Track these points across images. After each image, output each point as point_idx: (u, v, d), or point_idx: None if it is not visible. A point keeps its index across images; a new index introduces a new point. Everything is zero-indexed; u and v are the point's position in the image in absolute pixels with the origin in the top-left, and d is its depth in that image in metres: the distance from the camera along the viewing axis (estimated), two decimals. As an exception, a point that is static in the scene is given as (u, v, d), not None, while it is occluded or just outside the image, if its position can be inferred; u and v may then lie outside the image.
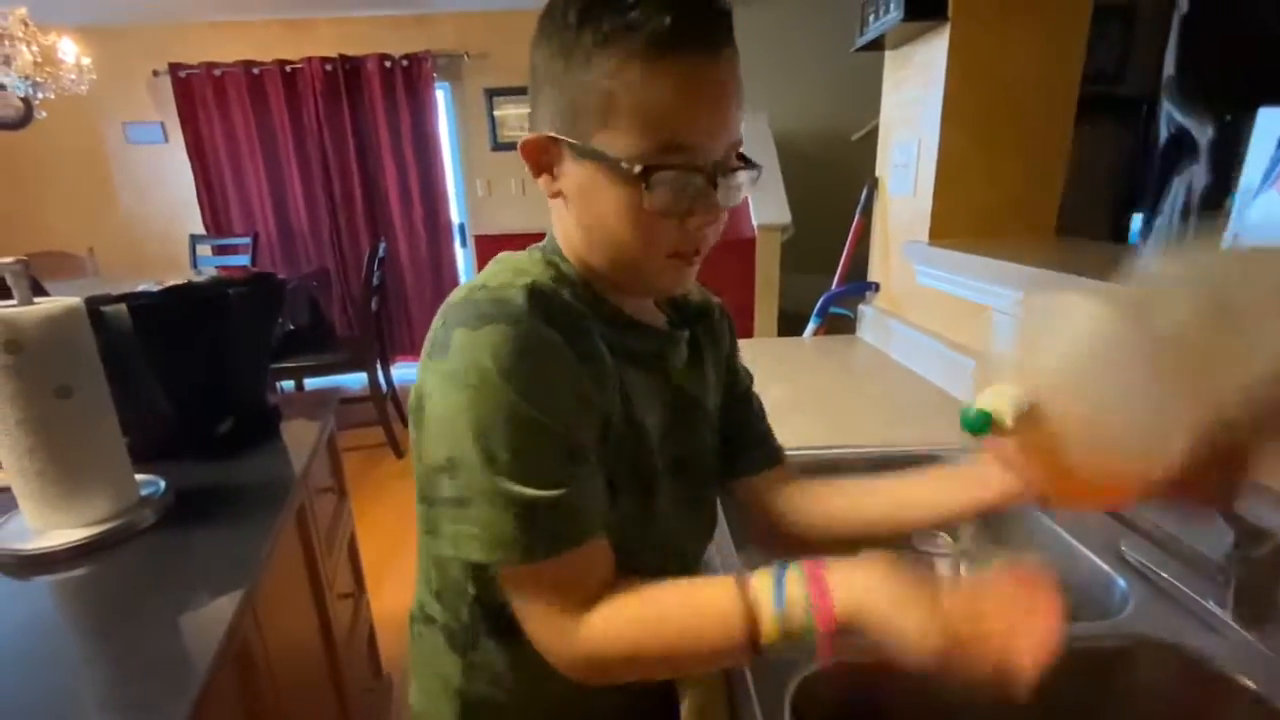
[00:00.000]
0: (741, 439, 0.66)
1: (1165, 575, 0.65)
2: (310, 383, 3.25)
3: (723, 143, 0.45)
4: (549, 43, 0.45)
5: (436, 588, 0.56)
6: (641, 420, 0.52)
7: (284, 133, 3.93)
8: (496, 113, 4.13)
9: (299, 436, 1.13)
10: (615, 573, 0.47)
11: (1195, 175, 0.80)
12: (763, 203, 3.13)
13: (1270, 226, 0.70)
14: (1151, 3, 2.57)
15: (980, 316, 1.20)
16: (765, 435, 0.68)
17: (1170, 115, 0.83)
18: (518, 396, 0.42)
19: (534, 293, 0.45)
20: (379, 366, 3.12)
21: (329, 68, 3.83)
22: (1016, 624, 0.37)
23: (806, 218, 3.24)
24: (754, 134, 3.33)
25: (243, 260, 3.79)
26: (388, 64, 3.86)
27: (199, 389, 1.04)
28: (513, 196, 4.29)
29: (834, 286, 1.82)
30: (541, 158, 0.48)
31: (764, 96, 3.82)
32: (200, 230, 4.03)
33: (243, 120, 3.90)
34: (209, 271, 3.47)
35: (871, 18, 1.39)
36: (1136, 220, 1.06)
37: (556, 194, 0.49)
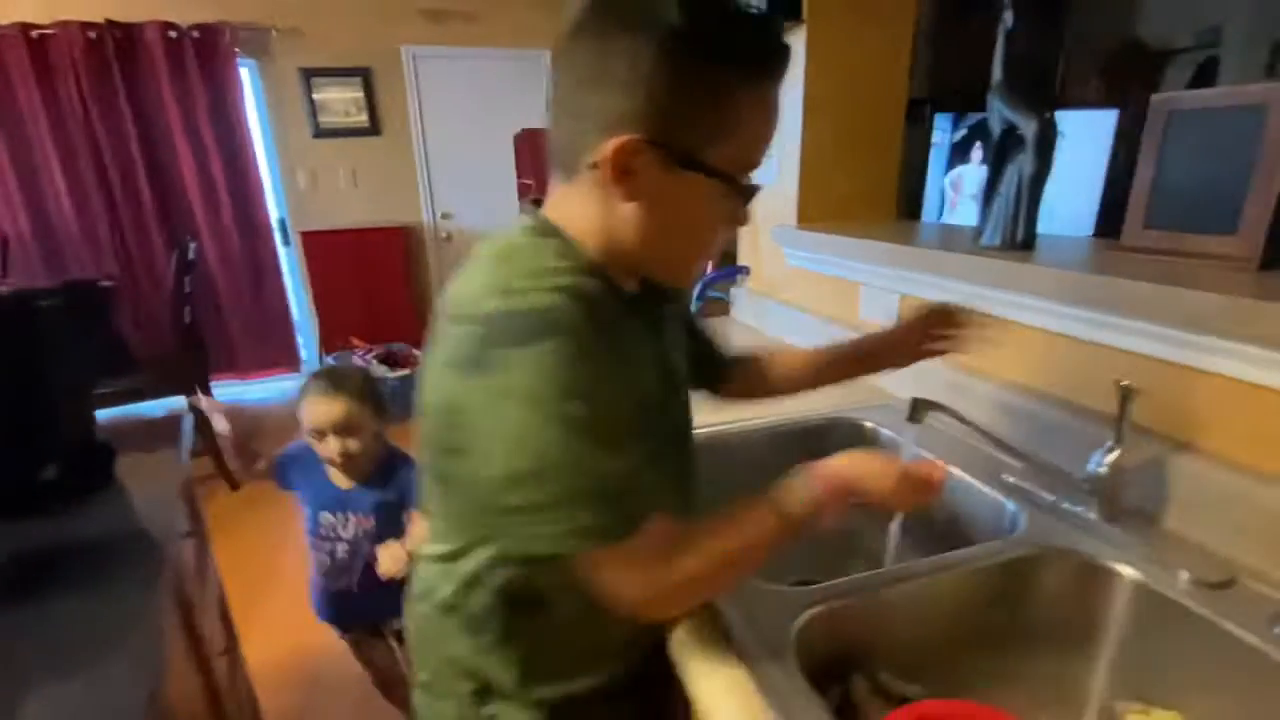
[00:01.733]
0: (716, 357, 0.81)
1: (1043, 494, 0.79)
2: (104, 414, 2.71)
3: None
4: (646, 41, 0.44)
5: (466, 580, 0.57)
6: (652, 393, 0.56)
7: (33, 114, 3.21)
8: (316, 96, 3.73)
9: (143, 476, 0.95)
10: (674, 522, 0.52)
11: (1024, 162, 0.95)
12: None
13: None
14: (931, 17, 2.97)
15: (844, 291, 1.33)
16: (726, 350, 0.82)
17: (1001, 112, 0.99)
18: (580, 402, 0.44)
19: (575, 299, 0.46)
20: (198, 388, 2.69)
21: (93, 35, 3.18)
22: (925, 473, 0.59)
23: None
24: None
25: (-14, 270, 3.04)
26: (173, 34, 3.31)
27: (7, 429, 0.83)
28: (342, 189, 3.92)
29: (708, 272, 1.91)
30: (632, 160, 0.47)
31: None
32: (-85, 235, 3.17)
33: (-31, 96, 3.12)
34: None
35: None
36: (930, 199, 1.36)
37: (629, 199, 0.49)
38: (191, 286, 2.72)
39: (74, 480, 0.89)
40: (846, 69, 1.41)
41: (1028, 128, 0.95)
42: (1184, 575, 0.63)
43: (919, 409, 0.76)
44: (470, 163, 4.17)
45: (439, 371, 0.49)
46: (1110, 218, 1.03)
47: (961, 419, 0.77)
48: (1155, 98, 0.86)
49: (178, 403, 1.30)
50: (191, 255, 2.70)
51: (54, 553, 0.75)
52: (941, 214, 1.41)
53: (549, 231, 0.52)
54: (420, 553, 0.64)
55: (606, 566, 0.48)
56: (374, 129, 3.89)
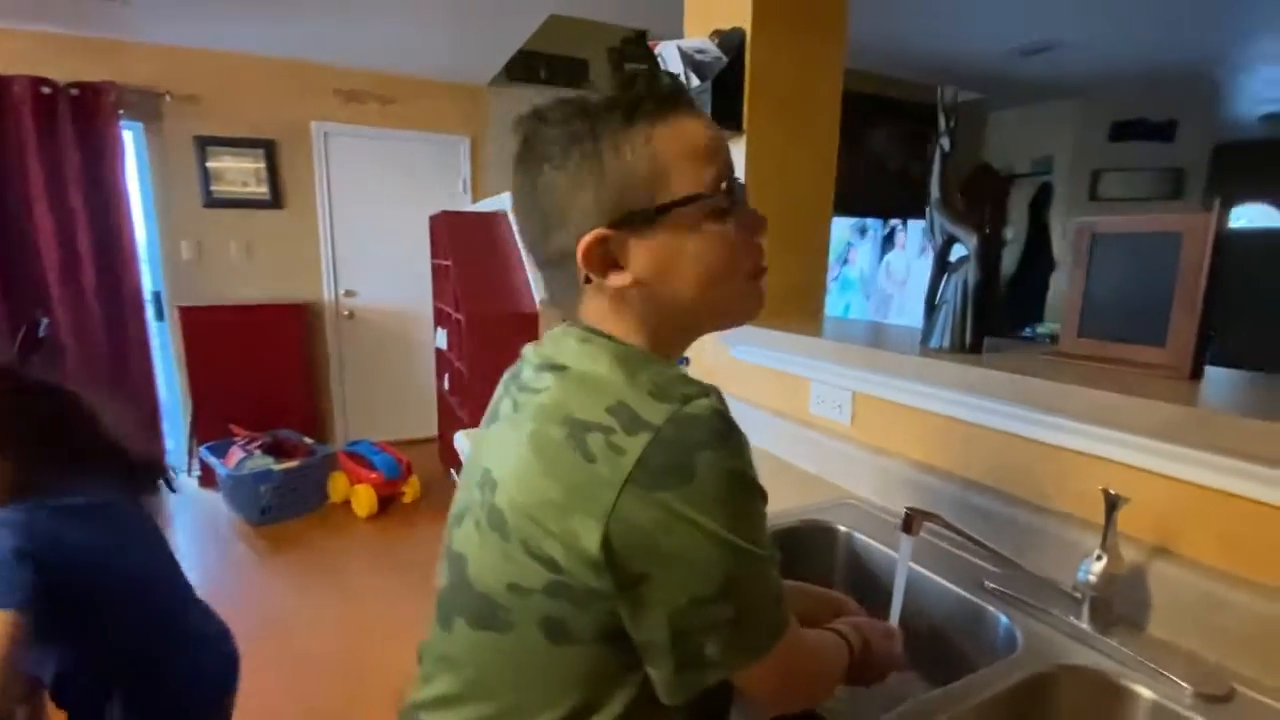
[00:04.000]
0: None
1: (1030, 601, 0.78)
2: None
3: (739, 180, 0.54)
4: (558, 167, 0.50)
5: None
6: None
7: None
8: (210, 164, 3.49)
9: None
10: None
11: (968, 272, 1.01)
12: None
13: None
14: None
15: (792, 385, 1.35)
16: None
17: (943, 226, 1.06)
18: (762, 501, 0.47)
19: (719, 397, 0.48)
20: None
21: (-56, 84, 2.83)
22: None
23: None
24: (525, 211, 3.36)
25: None
26: (46, 90, 3.01)
27: None
28: (233, 262, 3.62)
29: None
30: (604, 256, 0.50)
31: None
32: None
33: None
34: None
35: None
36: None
37: (633, 283, 0.50)
38: (39, 365, 2.33)
39: None
40: (781, 176, 1.50)
41: (969, 241, 1.03)
42: (1187, 689, 0.63)
43: (914, 520, 0.74)
44: (379, 241, 4.02)
45: (603, 496, 0.43)
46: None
47: (953, 528, 0.76)
48: (1078, 221, 0.96)
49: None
50: (42, 331, 2.34)
51: None
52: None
53: (605, 341, 0.51)
54: None
55: (770, 664, 0.48)
56: (275, 202, 3.68)
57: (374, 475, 3.12)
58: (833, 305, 3.55)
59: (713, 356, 1.66)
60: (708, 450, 0.43)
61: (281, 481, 3.00)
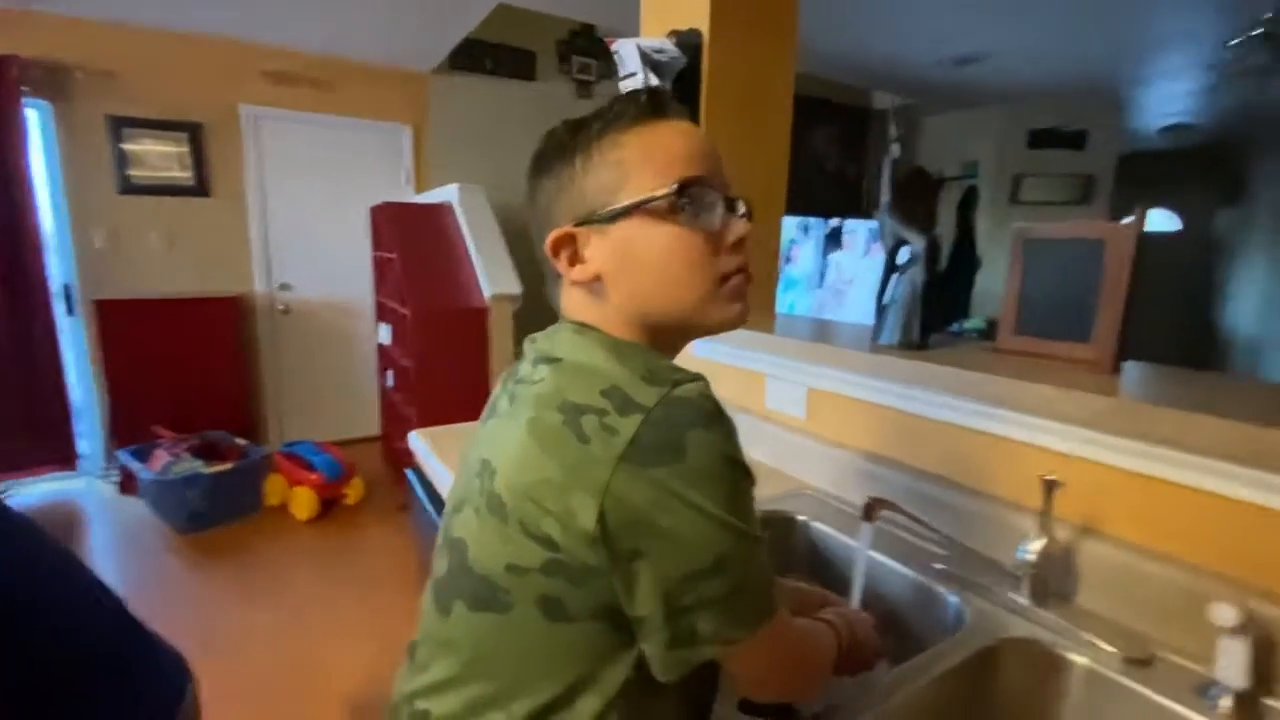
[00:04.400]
0: None
1: (976, 580, 0.84)
2: None
3: (722, 181, 0.56)
4: (549, 174, 0.56)
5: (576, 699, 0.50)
6: None
7: None
8: (126, 147, 3.26)
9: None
10: None
11: (916, 273, 1.07)
12: (494, 273, 3.10)
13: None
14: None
15: (749, 381, 1.39)
16: None
17: (893, 229, 1.11)
18: (750, 483, 0.48)
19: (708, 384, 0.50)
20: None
21: None
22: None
23: (534, 291, 3.33)
24: (473, 206, 3.30)
25: None
26: (-66, 62, 2.73)
27: None
28: (153, 252, 3.39)
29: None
30: (569, 249, 0.55)
31: (484, 171, 3.85)
32: None
33: None
34: None
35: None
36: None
37: (594, 277, 0.54)
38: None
39: None
40: (738, 176, 1.52)
41: (918, 244, 1.09)
42: (1115, 654, 0.70)
43: (874, 508, 0.78)
44: (317, 232, 3.85)
45: (598, 474, 0.45)
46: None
47: (908, 514, 0.81)
48: (1015, 226, 1.03)
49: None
50: (-64, 327, 2.13)
51: None
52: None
53: (597, 337, 0.54)
54: None
55: (763, 640, 0.50)
56: (201, 189, 3.47)
57: (314, 477, 3.01)
58: (787, 304, 3.65)
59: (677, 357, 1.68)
60: (698, 430, 0.45)
61: (213, 485, 2.84)
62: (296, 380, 3.89)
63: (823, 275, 5.02)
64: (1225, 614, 0.61)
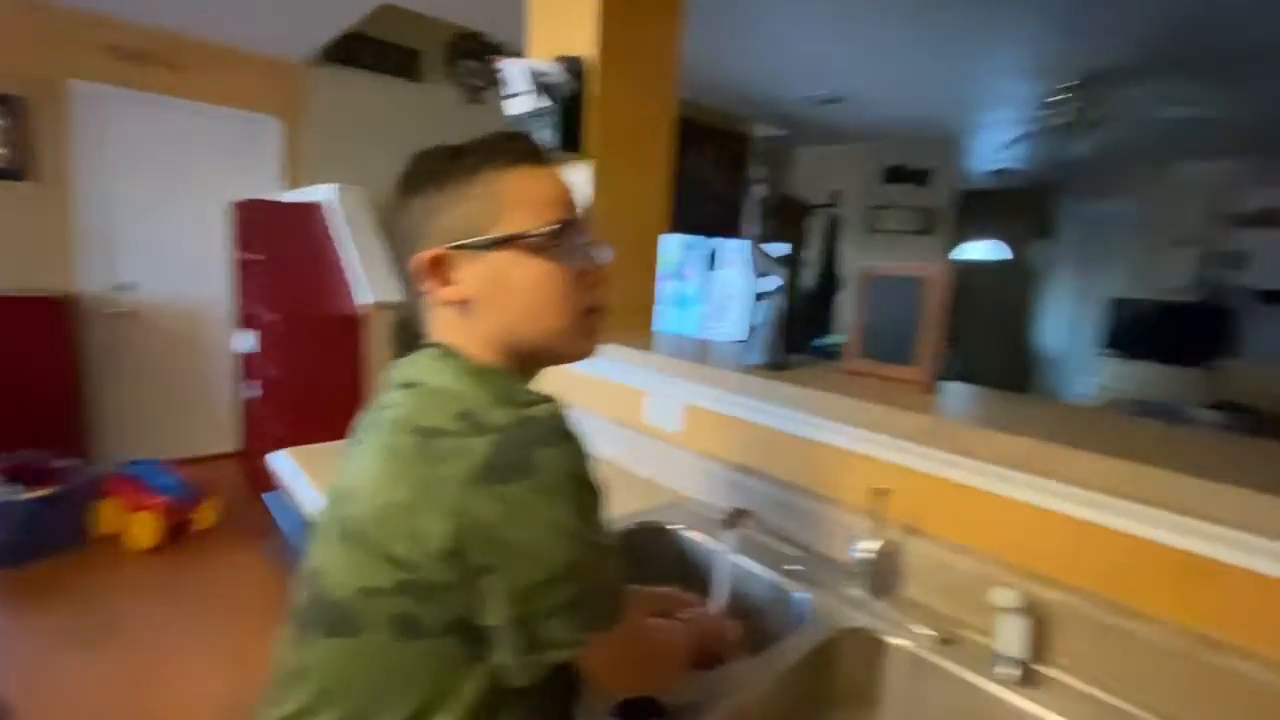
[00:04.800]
0: None
1: (820, 579, 0.95)
2: None
3: (587, 224, 0.62)
4: (419, 195, 0.59)
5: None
6: None
7: None
8: (-83, 119, 2.78)
9: None
10: None
11: (779, 300, 1.19)
12: (373, 279, 2.97)
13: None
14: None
15: (628, 397, 1.45)
16: None
17: (760, 260, 1.22)
18: (598, 496, 0.51)
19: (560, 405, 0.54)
20: None
21: None
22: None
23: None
24: (354, 208, 3.14)
25: None
26: None
27: None
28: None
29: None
30: (438, 269, 0.58)
31: (365, 171, 3.66)
32: None
33: None
34: None
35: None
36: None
37: (462, 300, 0.57)
38: None
39: None
40: (621, 199, 1.60)
41: (781, 275, 1.20)
42: (932, 636, 0.82)
43: (734, 518, 0.86)
44: (167, 228, 3.49)
45: (449, 494, 0.47)
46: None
47: (761, 523, 0.90)
48: (859, 265, 1.17)
49: None
50: None
51: None
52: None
53: (455, 363, 0.56)
54: None
55: (608, 647, 0.53)
56: (17, 171, 3.03)
57: (158, 500, 2.70)
58: (674, 321, 3.75)
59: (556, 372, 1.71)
60: (547, 448, 0.49)
61: (28, 514, 2.48)
62: (139, 391, 3.48)
63: (707, 293, 5.27)
64: (1005, 597, 0.74)
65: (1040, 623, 0.78)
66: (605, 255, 0.62)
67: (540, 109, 1.49)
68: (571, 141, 1.50)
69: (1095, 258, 5.60)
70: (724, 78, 3.78)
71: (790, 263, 1.24)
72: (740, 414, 1.20)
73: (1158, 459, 0.71)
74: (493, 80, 4.26)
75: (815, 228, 5.02)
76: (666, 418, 1.36)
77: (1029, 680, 0.76)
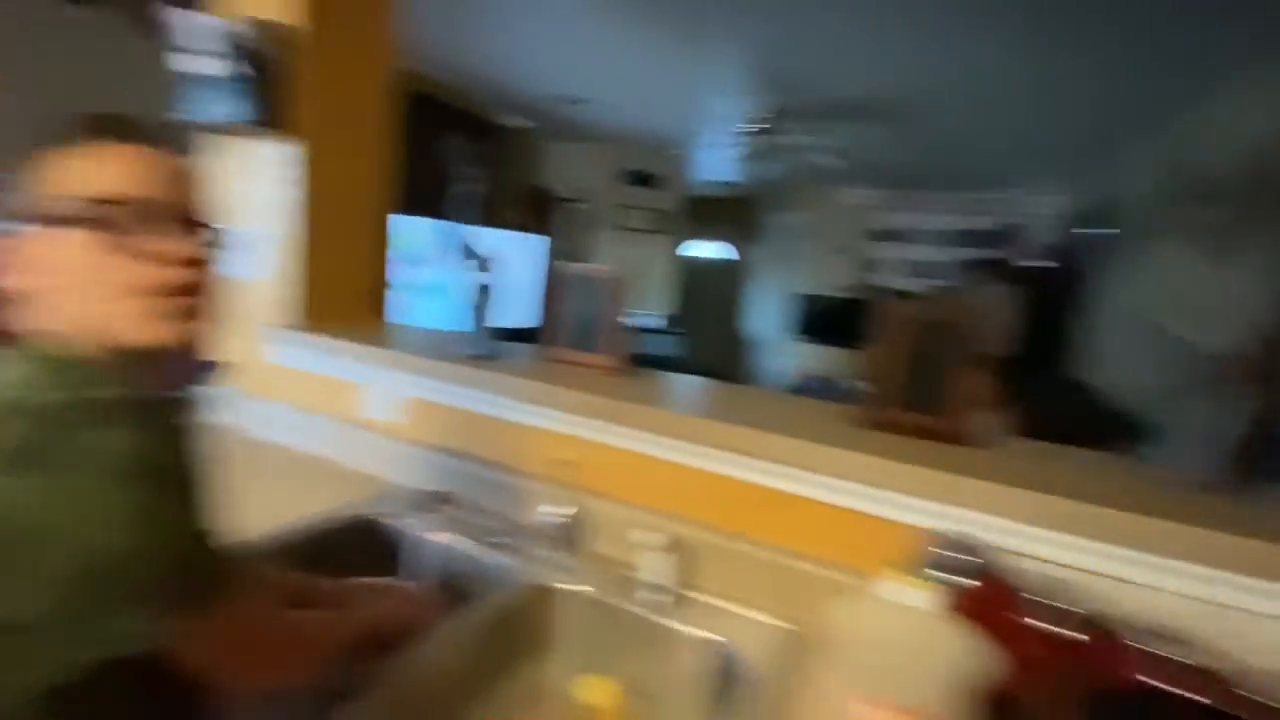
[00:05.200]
0: None
1: (521, 546, 1.05)
2: None
3: (174, 204, 0.57)
4: None
5: None
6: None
7: None
8: None
9: None
10: None
11: (491, 294, 1.25)
12: None
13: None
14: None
15: (342, 389, 1.40)
16: None
17: (470, 254, 1.28)
18: (153, 479, 0.48)
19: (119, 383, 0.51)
20: None
21: None
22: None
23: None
24: None
25: None
26: None
27: None
28: None
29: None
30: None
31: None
32: None
33: None
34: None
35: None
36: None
37: (19, 288, 0.54)
38: None
39: None
40: (338, 180, 1.51)
41: (491, 269, 1.28)
42: (608, 580, 0.98)
43: (434, 500, 0.91)
44: None
45: None
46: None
47: (463, 502, 0.96)
48: (554, 264, 1.31)
49: None
50: None
51: None
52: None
53: (40, 350, 0.52)
54: None
55: (204, 638, 0.52)
56: None
57: None
58: (424, 310, 3.54)
59: (246, 358, 1.55)
60: (96, 430, 0.47)
61: None
62: None
63: (454, 283, 5.13)
64: (650, 538, 0.91)
65: (685, 557, 0.98)
66: (195, 235, 0.58)
67: (234, 74, 1.33)
68: (269, 115, 1.37)
69: (789, 259, 6.80)
70: (476, 66, 3.73)
71: (488, 270, 1.27)
72: (455, 402, 1.24)
73: (753, 421, 0.95)
74: (109, 115, 3.58)
75: (565, 221, 5.23)
76: (385, 409, 1.34)
77: (679, 604, 0.95)
